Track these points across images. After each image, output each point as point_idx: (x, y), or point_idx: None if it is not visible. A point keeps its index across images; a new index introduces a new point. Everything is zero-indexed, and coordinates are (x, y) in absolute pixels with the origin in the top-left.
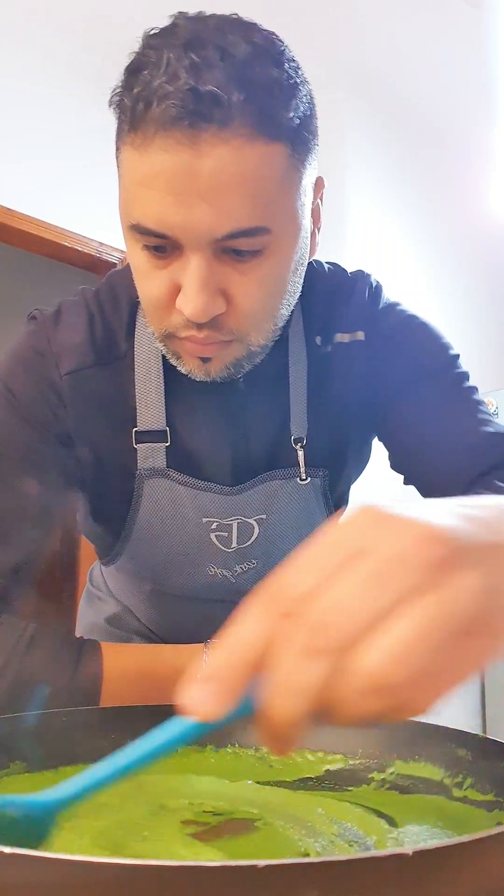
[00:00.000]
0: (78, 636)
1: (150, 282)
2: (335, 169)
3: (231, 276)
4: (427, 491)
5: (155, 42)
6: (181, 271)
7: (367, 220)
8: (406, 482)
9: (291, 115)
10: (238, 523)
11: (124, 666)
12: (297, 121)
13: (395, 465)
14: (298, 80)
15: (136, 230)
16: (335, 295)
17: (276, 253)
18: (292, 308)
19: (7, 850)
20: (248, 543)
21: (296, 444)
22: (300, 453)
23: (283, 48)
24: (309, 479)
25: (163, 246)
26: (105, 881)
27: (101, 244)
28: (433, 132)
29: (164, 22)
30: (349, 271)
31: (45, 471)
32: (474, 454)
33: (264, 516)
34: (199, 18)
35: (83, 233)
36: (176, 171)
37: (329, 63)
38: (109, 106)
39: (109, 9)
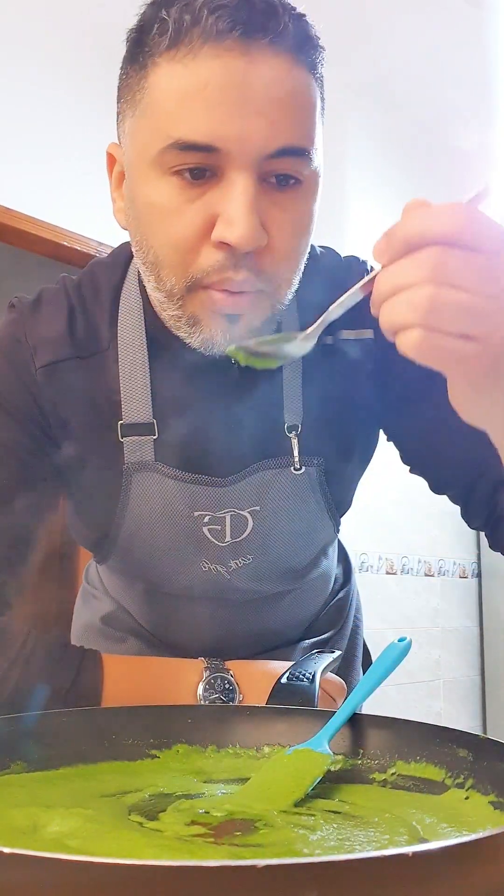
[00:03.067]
0: (76, 641)
1: (178, 218)
2: (335, 168)
3: (270, 210)
4: (443, 488)
5: None
6: (221, 198)
7: (366, 219)
8: (436, 491)
9: (319, 57)
10: (231, 516)
11: (123, 680)
12: (320, 67)
13: (409, 461)
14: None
15: (178, 147)
16: (332, 282)
17: (307, 190)
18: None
19: (7, 850)
20: (243, 537)
21: (290, 432)
22: (294, 441)
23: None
24: (303, 468)
25: (201, 169)
26: (105, 881)
27: (101, 244)
28: (433, 132)
29: None
30: (344, 258)
31: (32, 464)
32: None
33: (258, 508)
34: None
35: (82, 232)
36: (228, 80)
37: (330, 63)
38: (130, 34)
39: (110, 10)
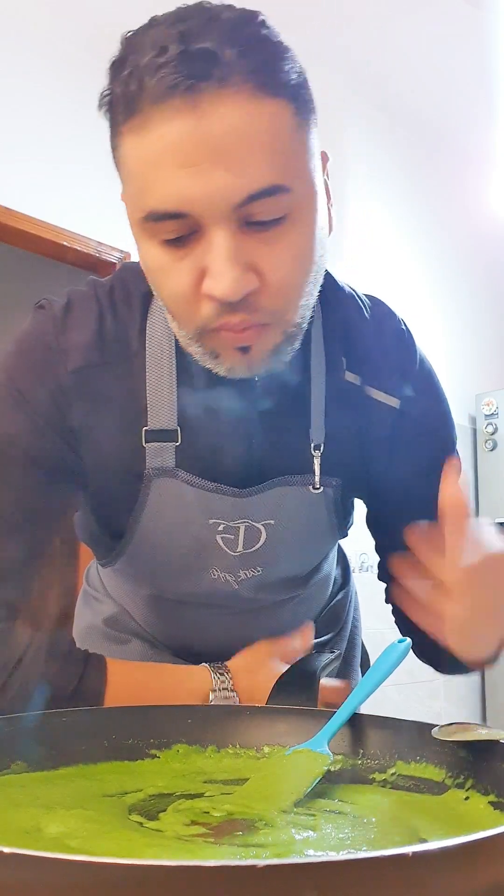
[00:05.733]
0: (79, 643)
1: (171, 277)
2: (334, 169)
3: (258, 250)
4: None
5: (136, 34)
6: (205, 254)
7: (366, 220)
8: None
9: (288, 70)
10: (245, 526)
11: (127, 685)
12: (295, 79)
13: (374, 520)
14: (286, 44)
15: (153, 218)
16: (360, 324)
17: (299, 219)
18: (319, 286)
19: (7, 850)
20: (255, 548)
21: (314, 451)
22: (316, 461)
23: (264, 18)
24: (322, 488)
25: (181, 235)
26: (105, 881)
27: (101, 244)
28: (433, 132)
29: None
30: (363, 295)
31: (51, 472)
32: None
33: (272, 521)
34: (179, 7)
35: (82, 232)
36: (183, 140)
37: (329, 63)
38: (99, 109)
39: (111, 10)
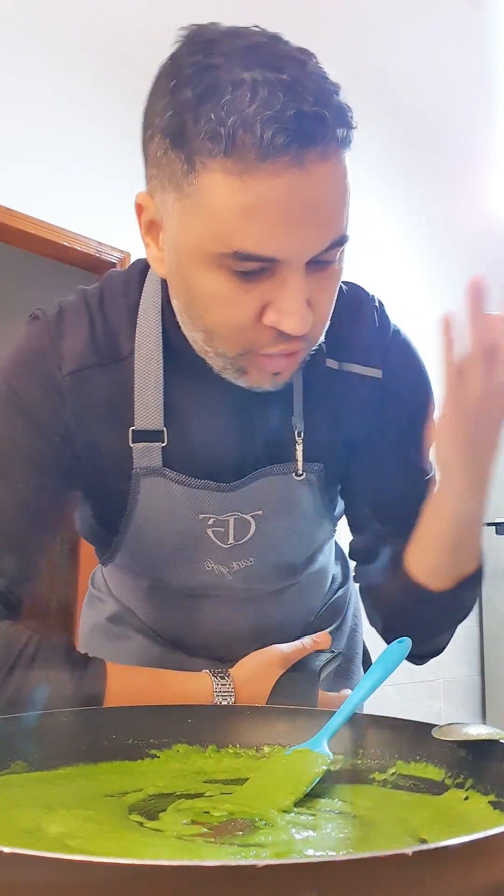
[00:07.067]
0: (83, 643)
1: (234, 306)
2: None
3: (314, 291)
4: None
5: (208, 59)
6: (274, 290)
7: (366, 220)
8: (354, 529)
9: (349, 115)
10: (234, 519)
11: (127, 689)
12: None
13: (354, 492)
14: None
15: (238, 257)
16: (338, 311)
17: (342, 256)
18: None
19: (7, 850)
20: (245, 540)
21: (297, 438)
22: (299, 447)
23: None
24: (305, 474)
25: (254, 270)
26: (105, 881)
27: (101, 244)
28: (433, 132)
29: (164, 25)
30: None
31: (50, 472)
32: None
33: (261, 512)
34: (234, 33)
35: (83, 233)
36: (285, 196)
37: (328, 63)
38: (168, 116)
39: (111, 11)
